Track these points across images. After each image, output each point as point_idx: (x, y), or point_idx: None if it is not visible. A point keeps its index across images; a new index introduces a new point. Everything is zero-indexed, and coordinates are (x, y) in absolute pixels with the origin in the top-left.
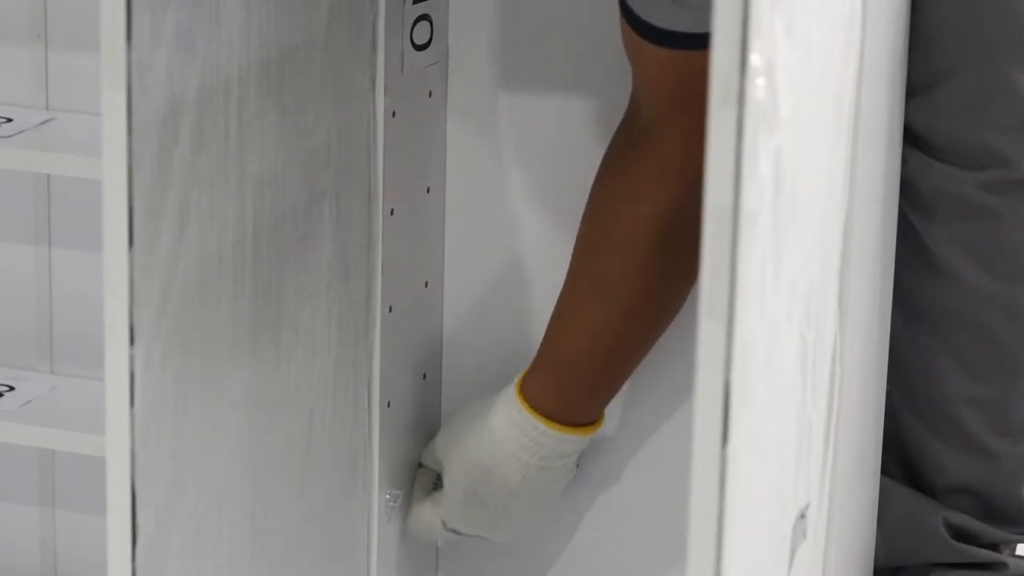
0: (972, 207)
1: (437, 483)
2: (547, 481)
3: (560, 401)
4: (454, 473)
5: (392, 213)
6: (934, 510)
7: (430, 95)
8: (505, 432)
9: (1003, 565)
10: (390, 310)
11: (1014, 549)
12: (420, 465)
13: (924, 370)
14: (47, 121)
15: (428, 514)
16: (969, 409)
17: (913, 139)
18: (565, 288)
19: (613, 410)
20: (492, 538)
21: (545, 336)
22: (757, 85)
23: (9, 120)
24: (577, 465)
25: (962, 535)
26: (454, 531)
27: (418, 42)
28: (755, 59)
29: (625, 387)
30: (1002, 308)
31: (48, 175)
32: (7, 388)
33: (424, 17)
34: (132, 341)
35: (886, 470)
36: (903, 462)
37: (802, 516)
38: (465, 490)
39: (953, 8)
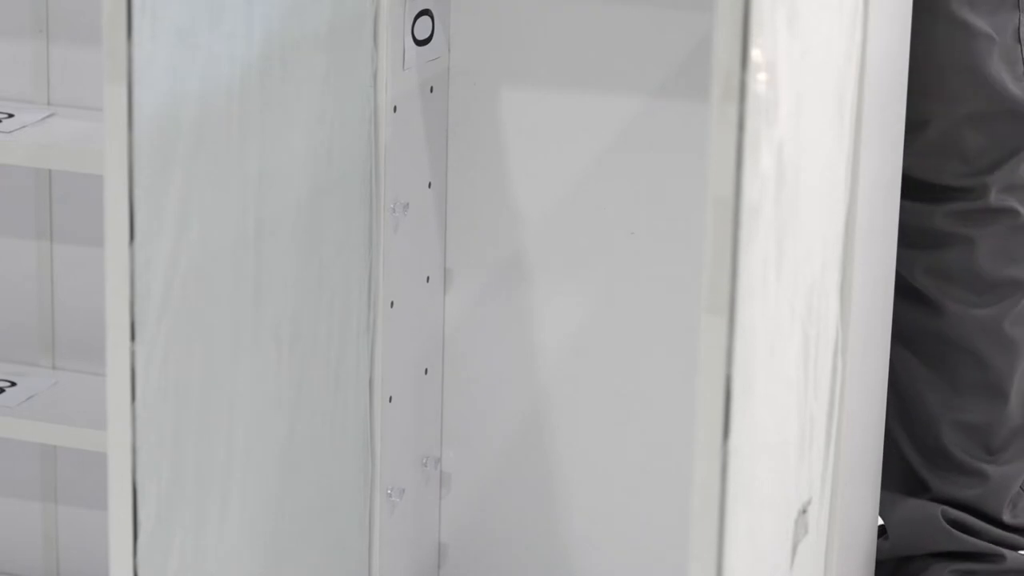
0: (942, 236)
1: None
2: None
3: None
4: None
5: (394, 208)
6: (935, 505)
7: (431, 90)
8: None
9: (1000, 556)
10: (392, 305)
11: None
12: None
13: (911, 392)
14: (49, 116)
15: None
16: (954, 432)
17: None
18: None
19: (613, 408)
20: None
21: None
22: (758, 80)
23: (11, 116)
24: None
25: (962, 530)
26: None
27: (419, 37)
28: (756, 54)
29: (625, 385)
30: (985, 332)
31: (50, 171)
32: (9, 384)
33: (425, 12)
34: (133, 337)
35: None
36: (901, 476)
37: (804, 511)
38: None
39: (918, 63)
